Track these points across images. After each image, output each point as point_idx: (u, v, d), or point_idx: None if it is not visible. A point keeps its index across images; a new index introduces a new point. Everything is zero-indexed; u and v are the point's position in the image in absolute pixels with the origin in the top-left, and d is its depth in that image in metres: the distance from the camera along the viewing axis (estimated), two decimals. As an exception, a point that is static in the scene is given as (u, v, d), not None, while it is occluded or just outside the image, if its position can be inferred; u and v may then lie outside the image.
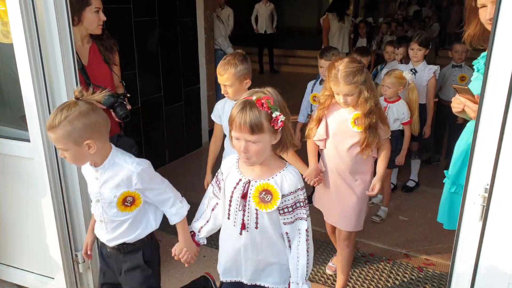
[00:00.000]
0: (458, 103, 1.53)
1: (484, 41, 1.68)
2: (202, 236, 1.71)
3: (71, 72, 2.00)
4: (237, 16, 6.94)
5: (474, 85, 1.70)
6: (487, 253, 1.23)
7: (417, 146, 3.70)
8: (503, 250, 1.19)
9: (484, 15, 1.52)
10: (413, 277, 2.65)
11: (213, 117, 2.44)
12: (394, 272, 2.70)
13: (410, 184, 3.86)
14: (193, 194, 2.27)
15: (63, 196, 2.14)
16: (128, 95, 2.33)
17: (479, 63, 1.71)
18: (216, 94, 5.00)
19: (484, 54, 1.71)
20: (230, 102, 2.28)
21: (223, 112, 2.35)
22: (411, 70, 3.36)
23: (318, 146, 2.25)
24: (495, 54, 1.14)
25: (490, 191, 1.19)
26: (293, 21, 13.01)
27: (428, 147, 4.09)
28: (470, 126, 1.78)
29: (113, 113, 2.21)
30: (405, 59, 3.74)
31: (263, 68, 9.11)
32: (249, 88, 2.16)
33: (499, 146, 1.14)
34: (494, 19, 1.12)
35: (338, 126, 2.14)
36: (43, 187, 2.10)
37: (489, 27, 1.55)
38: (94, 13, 2.19)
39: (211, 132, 4.98)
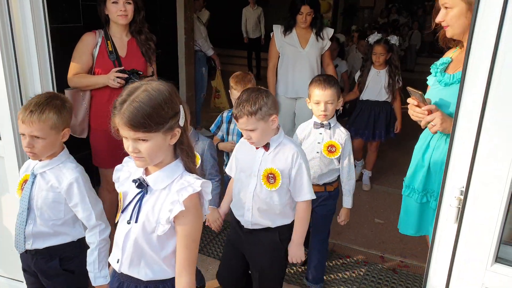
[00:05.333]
0: (420, 113, 1.63)
1: (453, 40, 1.75)
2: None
3: (46, 68, 1.96)
4: (224, 19, 6.78)
5: (432, 93, 1.75)
6: (461, 254, 1.25)
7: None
8: (476, 251, 1.22)
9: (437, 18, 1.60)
10: (388, 279, 2.69)
11: None
12: (369, 274, 2.74)
13: None
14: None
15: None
16: (141, 73, 2.45)
17: (437, 68, 1.75)
18: (195, 95, 4.97)
19: (443, 60, 1.77)
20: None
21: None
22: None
23: None
24: (471, 62, 1.17)
25: (465, 194, 1.21)
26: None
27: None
28: (426, 130, 1.84)
29: None
30: None
31: (260, 73, 8.68)
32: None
33: (474, 149, 1.17)
34: (471, 28, 1.14)
35: None
36: (14, 188, 2.02)
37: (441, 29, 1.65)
38: (112, 4, 2.40)
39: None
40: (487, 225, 1.19)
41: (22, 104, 1.97)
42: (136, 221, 1.28)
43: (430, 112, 1.61)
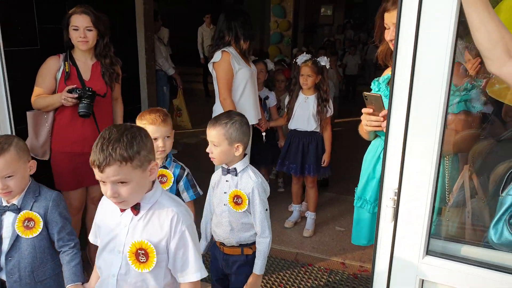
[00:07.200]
0: (375, 121, 1.62)
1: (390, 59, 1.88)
2: None
3: (1, 91, 1.98)
4: (183, 35, 6.80)
5: None
6: (398, 249, 1.38)
7: None
8: (410, 245, 1.35)
9: (387, 35, 1.72)
10: (349, 284, 2.80)
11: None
12: (331, 280, 2.84)
13: None
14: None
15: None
16: (90, 92, 2.42)
17: (380, 84, 1.89)
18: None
19: (384, 77, 1.90)
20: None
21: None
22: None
23: None
24: (397, 74, 1.31)
25: (398, 195, 1.34)
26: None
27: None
28: (374, 143, 1.96)
29: None
30: None
31: (208, 91, 8.87)
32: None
33: (403, 156, 1.31)
34: (395, 43, 1.29)
35: None
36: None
37: (391, 46, 1.76)
38: (73, 30, 2.45)
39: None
40: (418, 222, 1.32)
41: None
42: None
43: (385, 117, 1.61)
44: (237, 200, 1.86)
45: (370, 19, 11.94)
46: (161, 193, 1.40)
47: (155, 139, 1.94)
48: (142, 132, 1.33)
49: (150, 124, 1.99)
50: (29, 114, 2.43)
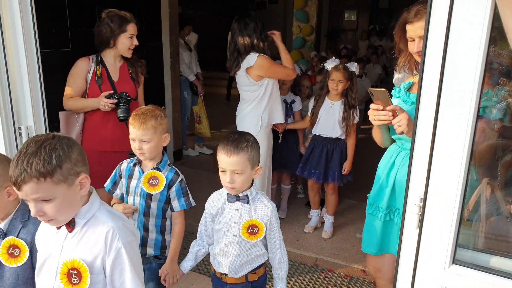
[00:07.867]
0: (384, 115, 1.64)
1: (415, 68, 1.88)
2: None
3: (37, 91, 2.05)
4: (207, 39, 6.86)
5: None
6: (423, 257, 1.36)
7: None
8: (436, 254, 1.33)
9: (412, 48, 1.71)
10: (369, 291, 2.78)
11: None
12: (351, 287, 2.82)
13: None
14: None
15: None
16: (129, 97, 2.50)
17: (400, 91, 1.88)
18: (181, 116, 5.08)
19: (404, 84, 1.89)
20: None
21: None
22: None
23: None
24: (425, 84, 1.31)
25: (424, 201, 1.33)
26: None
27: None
28: (390, 149, 1.93)
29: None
30: None
31: (230, 95, 8.99)
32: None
33: (430, 161, 1.30)
34: (422, 55, 1.28)
35: None
36: None
37: (417, 58, 1.75)
38: (128, 38, 2.52)
39: (176, 153, 5.05)
40: (444, 229, 1.30)
41: (14, 128, 2.06)
42: None
43: (394, 113, 1.63)
44: (252, 230, 1.69)
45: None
46: (99, 207, 1.27)
47: (133, 139, 1.86)
48: (65, 142, 1.17)
49: (130, 124, 1.86)
50: (61, 114, 2.53)
